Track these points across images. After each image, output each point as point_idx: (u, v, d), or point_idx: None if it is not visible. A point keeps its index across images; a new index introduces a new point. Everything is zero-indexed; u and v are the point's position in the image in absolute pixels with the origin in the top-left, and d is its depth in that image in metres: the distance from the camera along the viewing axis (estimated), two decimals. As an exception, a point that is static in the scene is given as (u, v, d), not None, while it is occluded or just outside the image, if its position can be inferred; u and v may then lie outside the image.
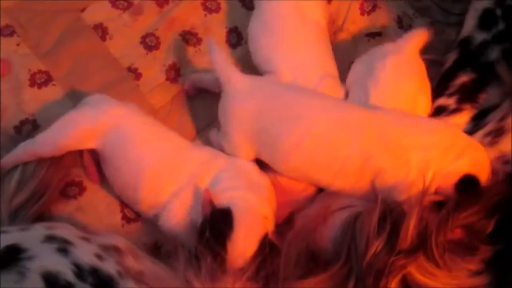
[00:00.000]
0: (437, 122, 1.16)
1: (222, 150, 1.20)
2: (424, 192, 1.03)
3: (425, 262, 0.99)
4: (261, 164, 1.18)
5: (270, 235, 1.06)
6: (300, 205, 1.17)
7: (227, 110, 1.16)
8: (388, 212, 1.03)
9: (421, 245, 0.99)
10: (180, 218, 1.12)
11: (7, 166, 1.17)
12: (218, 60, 1.17)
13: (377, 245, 0.99)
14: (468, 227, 1.03)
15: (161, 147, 1.17)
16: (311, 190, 1.18)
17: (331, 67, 1.28)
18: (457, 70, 1.22)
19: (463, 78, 1.21)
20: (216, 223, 1.03)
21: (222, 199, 1.08)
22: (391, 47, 1.23)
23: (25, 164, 1.17)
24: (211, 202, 1.05)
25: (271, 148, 1.13)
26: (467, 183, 1.06)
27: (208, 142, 1.27)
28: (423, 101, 1.21)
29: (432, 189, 1.06)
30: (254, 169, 1.16)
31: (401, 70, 1.20)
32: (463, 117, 1.18)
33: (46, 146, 1.17)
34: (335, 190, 1.13)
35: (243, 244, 1.02)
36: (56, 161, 1.19)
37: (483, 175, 1.08)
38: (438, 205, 1.06)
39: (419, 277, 0.99)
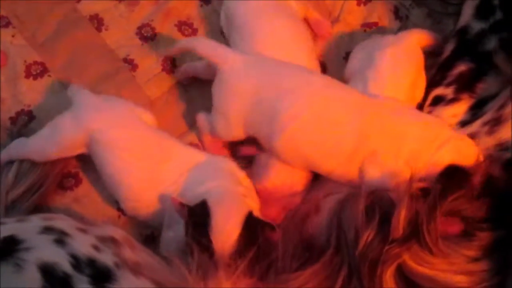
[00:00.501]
0: (426, 115, 1.17)
1: (211, 132, 1.19)
2: (411, 180, 1.03)
3: (419, 251, 0.99)
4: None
5: (256, 213, 1.05)
6: (291, 203, 1.16)
7: (224, 89, 1.15)
8: (376, 200, 1.03)
9: (413, 233, 0.99)
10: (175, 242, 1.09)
11: (1, 162, 1.17)
12: (205, 46, 1.17)
13: (368, 234, 0.99)
14: (461, 214, 1.03)
15: (135, 166, 1.13)
16: (301, 185, 1.17)
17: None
18: (455, 60, 1.22)
19: (461, 68, 1.21)
20: (195, 218, 1.01)
21: (197, 196, 1.06)
22: (392, 38, 1.25)
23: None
24: (182, 204, 1.03)
25: (267, 122, 1.11)
26: (452, 173, 1.06)
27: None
28: (419, 93, 1.22)
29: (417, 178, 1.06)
30: (230, 163, 1.15)
31: (400, 61, 1.20)
32: (461, 107, 1.18)
33: (37, 154, 1.17)
34: (324, 172, 1.13)
35: (224, 226, 1.00)
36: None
37: (468, 164, 1.08)
38: (424, 193, 1.05)
39: (414, 266, 0.99)
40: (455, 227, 1.02)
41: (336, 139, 1.09)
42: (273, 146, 1.13)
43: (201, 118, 1.23)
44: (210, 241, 0.98)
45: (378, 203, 1.02)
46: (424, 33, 1.28)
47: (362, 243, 0.99)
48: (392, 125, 1.10)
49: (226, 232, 1.00)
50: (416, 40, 1.25)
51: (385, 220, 1.00)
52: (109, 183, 1.15)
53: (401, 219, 0.99)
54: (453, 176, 1.05)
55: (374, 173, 1.08)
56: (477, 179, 1.05)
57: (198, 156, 1.15)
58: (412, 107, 1.19)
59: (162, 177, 1.12)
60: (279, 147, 1.12)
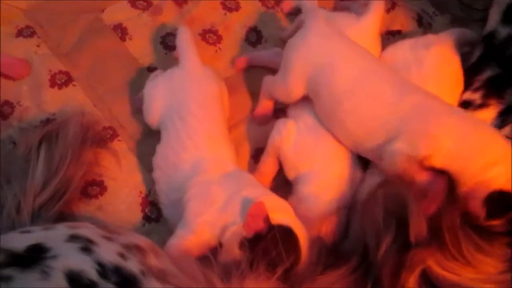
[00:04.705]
0: (479, 119, 1.14)
1: (271, 91, 1.22)
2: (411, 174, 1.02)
3: (444, 258, 0.97)
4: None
5: None
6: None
7: (301, 41, 1.17)
8: (391, 206, 1.02)
9: (435, 237, 0.97)
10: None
11: None
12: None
13: (387, 241, 0.98)
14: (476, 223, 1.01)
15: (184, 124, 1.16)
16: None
17: None
18: (482, 65, 1.22)
19: (488, 73, 1.20)
20: (284, 243, 0.99)
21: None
22: (435, 37, 1.26)
23: (49, 161, 1.17)
24: (267, 218, 0.99)
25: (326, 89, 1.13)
26: (498, 200, 1.01)
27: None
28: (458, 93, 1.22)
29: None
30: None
31: (444, 58, 1.21)
32: (490, 113, 1.17)
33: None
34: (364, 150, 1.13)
35: (305, 266, 1.00)
36: (77, 158, 1.19)
37: None
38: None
39: (441, 272, 0.96)
40: None
41: (381, 119, 1.08)
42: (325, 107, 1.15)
43: (267, 80, 1.24)
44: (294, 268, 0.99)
45: (394, 209, 1.01)
46: (465, 32, 1.29)
47: (382, 249, 0.98)
48: (436, 120, 1.05)
49: (306, 270, 1.00)
50: (457, 40, 1.26)
51: (403, 225, 0.98)
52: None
53: (419, 221, 0.97)
54: (497, 206, 1.01)
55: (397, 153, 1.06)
56: None
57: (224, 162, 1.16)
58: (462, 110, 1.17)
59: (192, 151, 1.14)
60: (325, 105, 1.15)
